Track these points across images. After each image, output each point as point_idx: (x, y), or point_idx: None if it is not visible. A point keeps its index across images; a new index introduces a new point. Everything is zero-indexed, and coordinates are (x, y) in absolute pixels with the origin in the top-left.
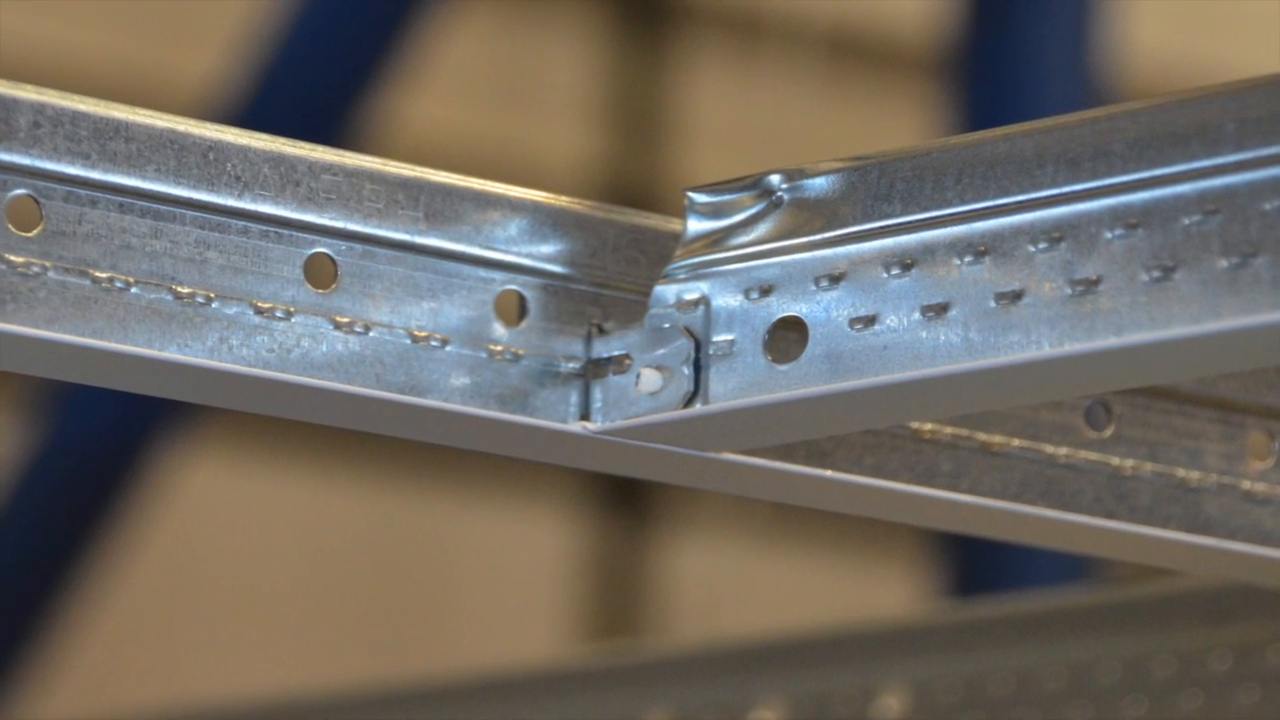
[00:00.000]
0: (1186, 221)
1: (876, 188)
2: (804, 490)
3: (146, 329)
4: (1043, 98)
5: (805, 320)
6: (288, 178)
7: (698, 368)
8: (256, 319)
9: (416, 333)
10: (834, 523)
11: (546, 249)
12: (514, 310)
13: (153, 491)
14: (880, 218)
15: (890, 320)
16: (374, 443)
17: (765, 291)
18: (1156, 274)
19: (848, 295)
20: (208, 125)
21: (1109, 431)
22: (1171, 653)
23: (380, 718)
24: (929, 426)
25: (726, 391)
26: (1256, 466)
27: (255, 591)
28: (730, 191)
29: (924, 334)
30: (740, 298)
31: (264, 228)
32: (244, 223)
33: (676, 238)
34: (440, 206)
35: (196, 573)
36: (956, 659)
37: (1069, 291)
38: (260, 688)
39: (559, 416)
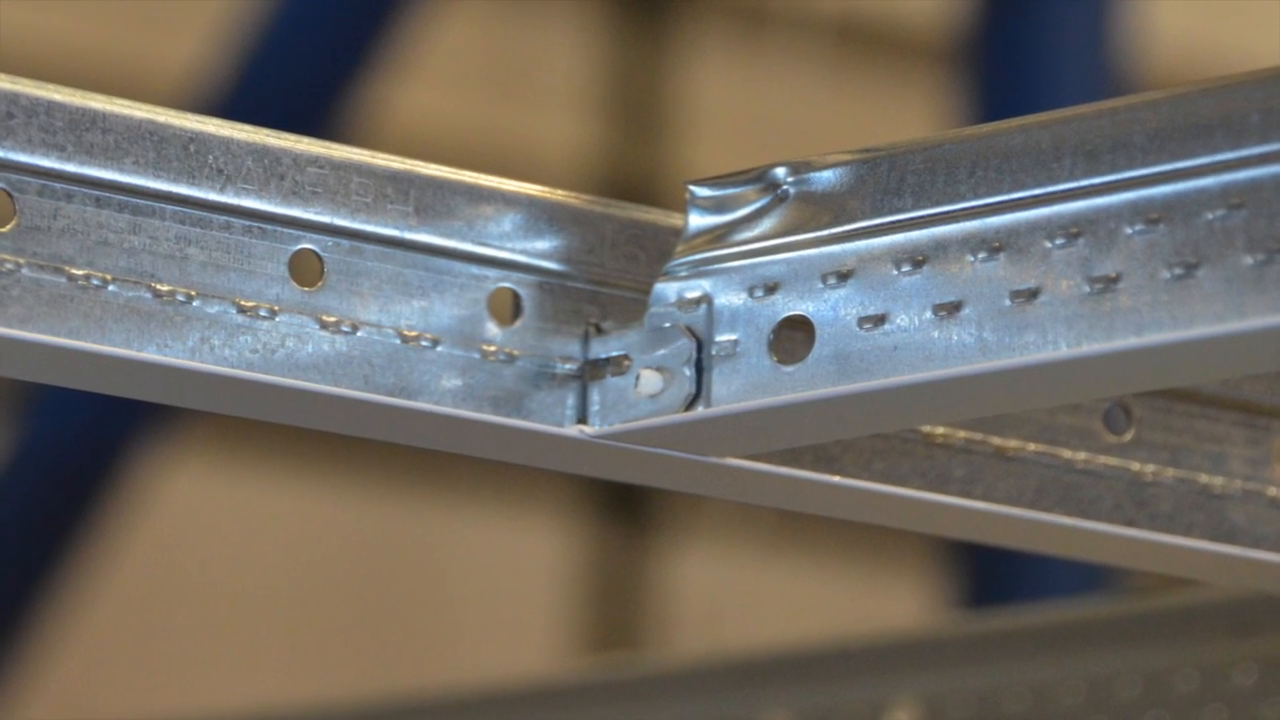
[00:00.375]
0: (1210, 216)
1: (886, 181)
2: (810, 497)
3: (124, 328)
4: (1060, 87)
5: (812, 319)
6: (272, 171)
7: (700, 369)
8: (239, 318)
9: (406, 332)
10: (841, 531)
11: (542, 245)
12: (508, 309)
13: (132, 498)
14: (890, 212)
15: (901, 319)
16: (362, 447)
17: (770, 289)
18: (1178, 271)
19: (856, 293)
20: (188, 116)
21: (1129, 435)
22: (1194, 666)
23: None
24: (941, 430)
25: (730, 394)
26: None
27: (239, 602)
28: (734, 185)
29: (936, 334)
30: (744, 296)
31: (247, 223)
32: (226, 218)
33: (677, 233)
34: (431, 201)
35: (177, 583)
36: (969, 673)
37: (1087, 289)
38: (244, 702)
39: (555, 420)
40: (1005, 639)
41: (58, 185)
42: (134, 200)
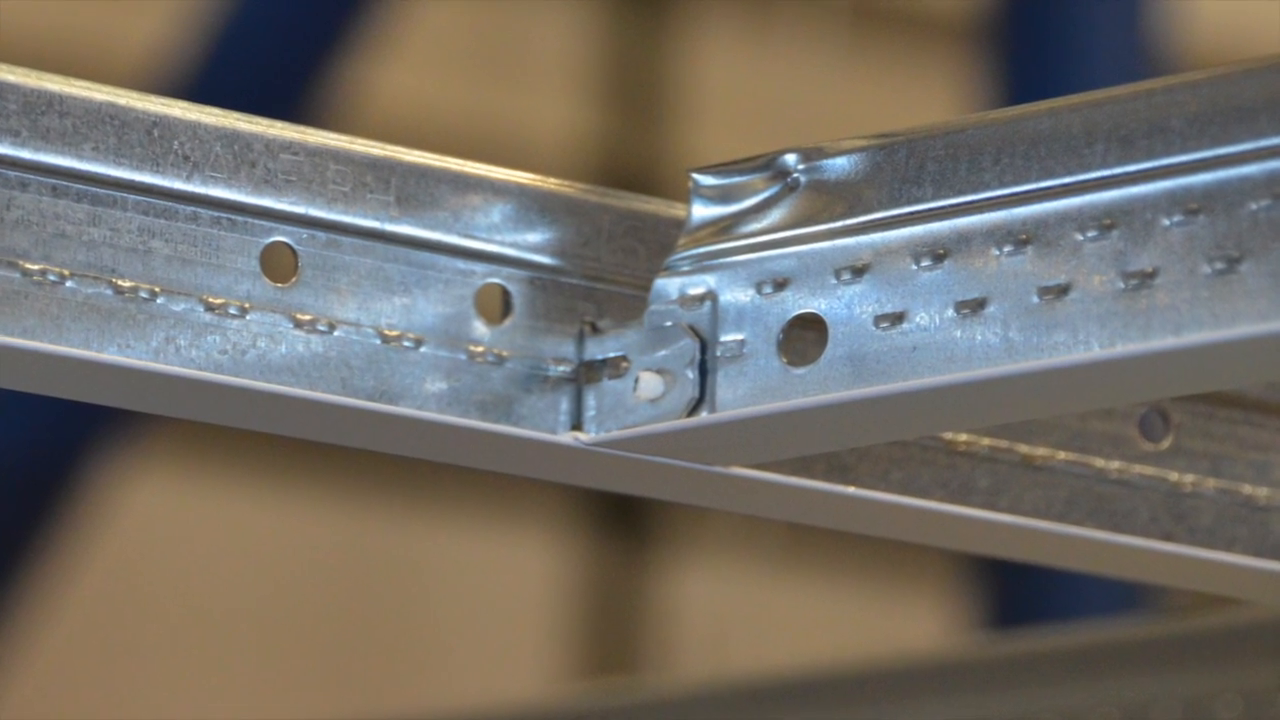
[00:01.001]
0: (1254, 206)
1: (905, 169)
2: (823, 509)
3: (83, 327)
4: (1092, 68)
5: (824, 318)
6: (242, 157)
7: (703, 371)
8: (207, 316)
9: (387, 332)
10: (856, 546)
11: (533, 237)
12: (497, 307)
13: (92, 511)
14: (909, 202)
15: (920, 318)
16: (340, 456)
17: (779, 285)
18: (1220, 265)
19: (872, 290)
20: (153, 99)
21: (1166, 443)
22: (1236, 691)
23: None
24: (964, 437)
25: (736, 398)
26: None
27: (207, 622)
28: (740, 173)
29: (958, 333)
30: (751, 292)
31: (216, 214)
32: (193, 208)
33: (680, 225)
34: (414, 190)
35: (141, 602)
36: (995, 699)
37: (1121, 285)
38: None
39: (548, 426)
40: (1033, 663)
41: (11, 173)
42: (94, 189)
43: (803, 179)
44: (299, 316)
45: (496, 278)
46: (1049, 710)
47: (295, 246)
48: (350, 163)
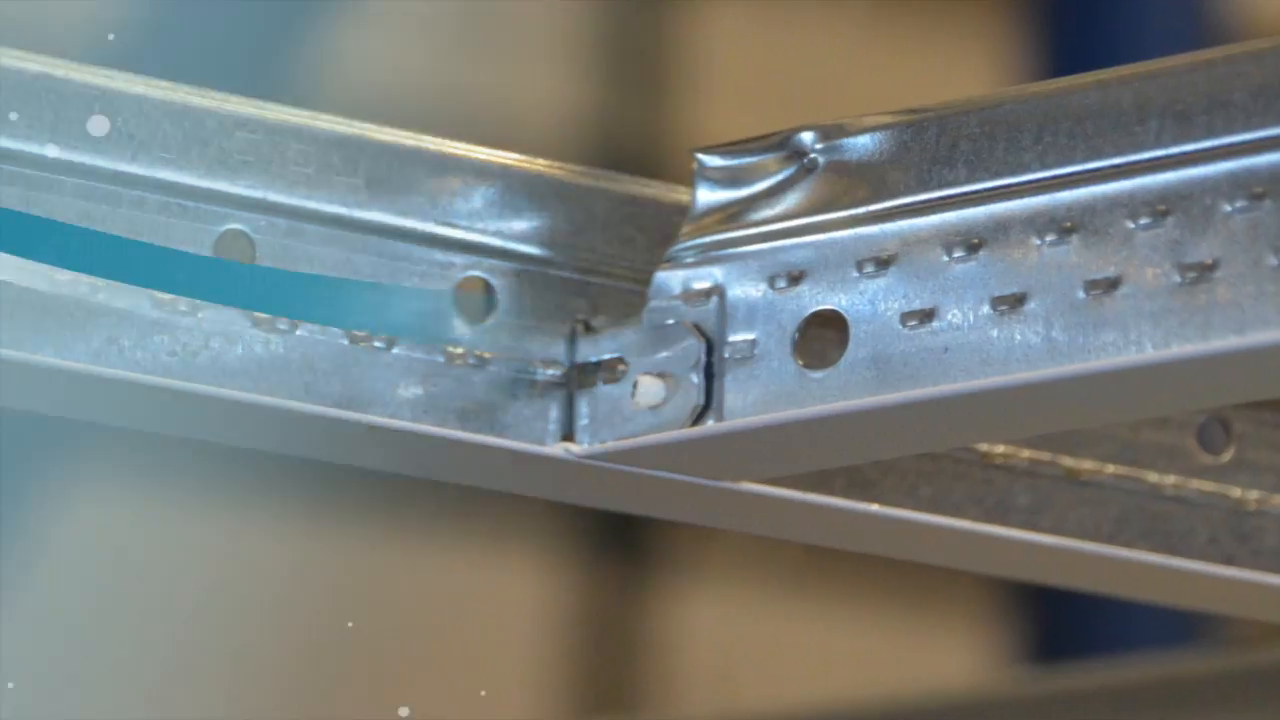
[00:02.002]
0: None
1: (935, 148)
2: (843, 529)
3: (15, 326)
4: (1145, 36)
5: (845, 315)
6: (193, 136)
7: (710, 375)
8: (154, 313)
9: (355, 331)
10: (881, 570)
11: (520, 225)
12: (479, 303)
13: (24, 531)
14: (940, 186)
15: (952, 315)
16: (303, 470)
17: (795, 279)
18: None
19: (899, 284)
20: (92, 69)
21: (1228, 455)
22: None
23: None
24: (1001, 449)
25: (746, 405)
26: None
27: (154, 655)
28: (750, 153)
29: (995, 332)
30: (763, 287)
31: (164, 199)
32: (139, 192)
33: (683, 211)
34: (385, 172)
35: (83, 632)
36: None
37: (1178, 279)
38: None
39: (535, 436)
40: (1079, 701)
41: None
42: (26, 171)
43: (821, 160)
44: (257, 314)
45: (478, 270)
46: None
47: (252, 235)
48: (314, 141)
